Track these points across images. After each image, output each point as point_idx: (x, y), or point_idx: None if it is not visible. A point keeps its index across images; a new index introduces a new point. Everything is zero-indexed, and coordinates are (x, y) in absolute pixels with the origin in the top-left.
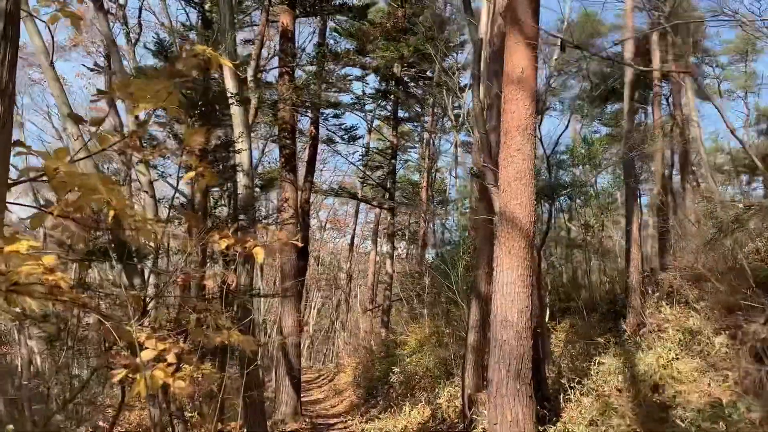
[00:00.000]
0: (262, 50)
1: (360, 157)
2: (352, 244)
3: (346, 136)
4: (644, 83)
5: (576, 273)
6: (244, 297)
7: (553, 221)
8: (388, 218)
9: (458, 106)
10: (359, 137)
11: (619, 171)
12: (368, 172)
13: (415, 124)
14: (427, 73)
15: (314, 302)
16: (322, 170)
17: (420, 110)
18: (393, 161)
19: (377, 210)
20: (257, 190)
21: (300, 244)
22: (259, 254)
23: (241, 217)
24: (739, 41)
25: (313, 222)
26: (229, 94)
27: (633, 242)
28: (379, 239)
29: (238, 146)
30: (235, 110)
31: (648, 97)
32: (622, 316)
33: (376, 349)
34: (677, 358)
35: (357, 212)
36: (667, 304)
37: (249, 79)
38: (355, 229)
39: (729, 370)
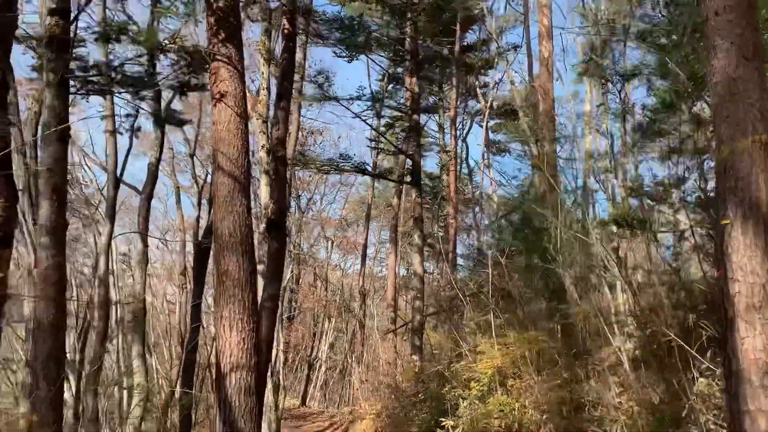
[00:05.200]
0: None
1: (366, 108)
2: (364, 256)
3: (344, 40)
4: None
5: None
6: None
7: None
8: (414, 196)
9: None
10: (362, 46)
11: None
12: (379, 130)
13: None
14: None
15: (327, 334)
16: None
17: (439, 88)
18: (415, 117)
19: (395, 202)
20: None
21: None
22: None
23: None
24: None
25: (319, 239)
26: None
27: None
28: (399, 239)
29: None
30: None
31: None
32: None
33: (407, 387)
34: None
35: (368, 215)
36: None
37: None
38: (367, 238)
39: None
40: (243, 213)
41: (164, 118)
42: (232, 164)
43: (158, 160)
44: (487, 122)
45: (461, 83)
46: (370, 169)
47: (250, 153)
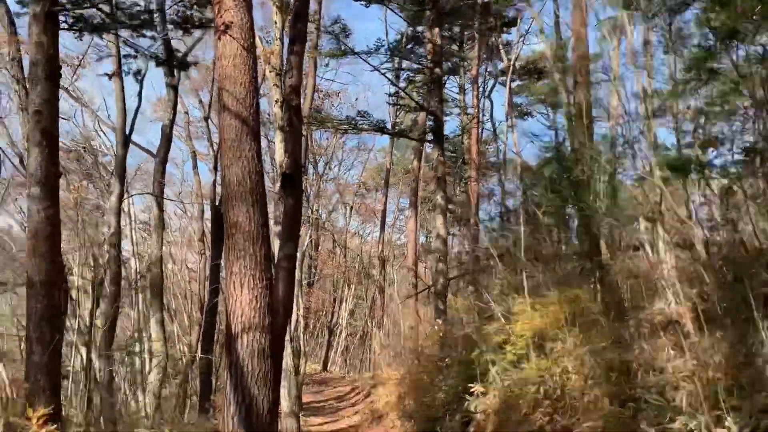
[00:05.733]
0: None
1: (385, 60)
2: (383, 221)
3: None
4: None
5: None
6: None
7: None
8: (436, 155)
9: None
10: None
11: None
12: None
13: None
14: None
15: (346, 300)
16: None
17: (459, 47)
18: (437, 70)
19: (415, 164)
20: None
21: None
22: None
23: None
24: None
25: (337, 206)
26: None
27: None
28: (419, 203)
29: None
30: None
31: None
32: None
33: (431, 352)
34: None
35: (387, 180)
36: None
37: None
38: (386, 203)
39: None
40: (253, 158)
41: (167, 60)
42: (240, 104)
43: (172, 122)
44: (510, 81)
45: (484, 37)
46: (389, 128)
47: (265, 115)
